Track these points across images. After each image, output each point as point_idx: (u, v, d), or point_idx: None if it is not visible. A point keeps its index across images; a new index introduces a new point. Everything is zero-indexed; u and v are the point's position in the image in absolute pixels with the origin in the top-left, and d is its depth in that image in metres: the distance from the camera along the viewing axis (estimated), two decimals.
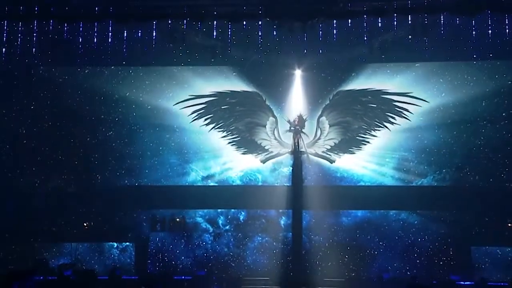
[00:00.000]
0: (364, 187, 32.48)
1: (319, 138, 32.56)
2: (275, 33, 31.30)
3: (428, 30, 30.57)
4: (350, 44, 31.56)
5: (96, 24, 31.01)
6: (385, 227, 31.99)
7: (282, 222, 32.43)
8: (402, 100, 31.98)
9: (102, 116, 33.10)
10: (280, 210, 32.05)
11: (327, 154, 32.61)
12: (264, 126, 32.62)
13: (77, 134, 32.96)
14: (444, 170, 32.74)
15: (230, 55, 31.82)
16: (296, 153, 30.05)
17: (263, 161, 32.81)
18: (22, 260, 30.23)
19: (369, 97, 32.23)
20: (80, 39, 31.47)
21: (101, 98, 32.97)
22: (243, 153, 32.88)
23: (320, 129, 32.44)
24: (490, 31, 31.10)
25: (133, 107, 33.06)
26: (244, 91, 32.51)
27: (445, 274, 28.69)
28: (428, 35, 30.94)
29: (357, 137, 32.33)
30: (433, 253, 29.90)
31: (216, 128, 32.69)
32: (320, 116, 32.20)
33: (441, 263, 29.58)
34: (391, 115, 32.24)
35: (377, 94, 32.28)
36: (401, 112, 32.05)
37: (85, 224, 32.35)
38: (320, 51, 31.64)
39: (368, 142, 32.39)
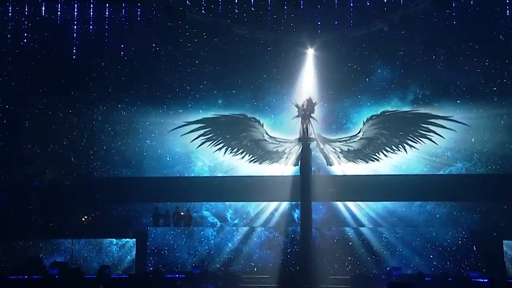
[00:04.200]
0: (385, 176, 29.67)
1: (340, 141, 30.13)
2: (285, 9, 29.22)
3: (452, 2, 28.03)
4: (367, 19, 29.20)
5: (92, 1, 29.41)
6: (407, 220, 29.41)
7: (296, 215, 29.91)
8: (440, 124, 29.36)
9: (101, 102, 31.09)
10: (294, 203, 29.52)
11: (332, 156, 30.28)
12: (264, 140, 30.47)
13: (74, 122, 30.93)
14: (475, 157, 29.95)
15: (235, 34, 29.61)
16: (305, 140, 27.20)
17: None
18: (16, 258, 28.21)
19: (411, 118, 29.85)
20: (75, 21, 29.85)
21: (98, 81, 30.96)
22: (269, 165, 30.77)
23: (351, 137, 30.14)
24: None
25: (135, 91, 30.95)
26: (230, 114, 30.53)
27: (465, 270, 25.79)
28: (452, 7, 28.37)
29: (372, 154, 30.01)
30: (458, 248, 26.85)
31: (226, 150, 30.67)
32: (361, 130, 30.00)
33: (466, 259, 26.64)
34: (421, 139, 29.79)
35: (420, 116, 29.74)
36: (433, 136, 29.61)
37: (83, 219, 30.25)
38: (336, 25, 29.44)
39: (378, 160, 29.97)
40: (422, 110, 29.77)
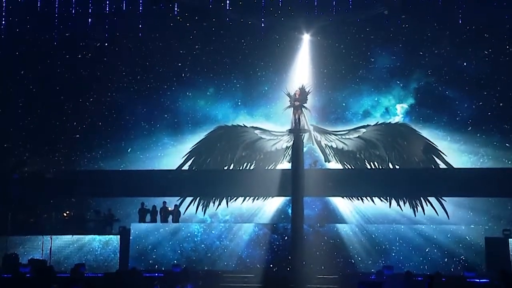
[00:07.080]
0: (383, 171, 28.20)
1: (336, 134, 28.53)
2: None
3: None
4: (367, 2, 28.07)
5: None
6: (406, 217, 27.68)
7: (289, 211, 28.16)
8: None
9: (85, 89, 29.69)
10: (289, 198, 27.78)
11: (327, 150, 28.63)
12: (260, 138, 28.81)
13: (55, 110, 29.65)
14: (481, 150, 28.23)
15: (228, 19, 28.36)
16: (296, 131, 25.36)
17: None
18: None
19: (425, 147, 28.19)
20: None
21: (83, 66, 29.64)
22: (273, 167, 28.88)
23: (350, 131, 28.54)
24: None
25: (121, 77, 29.64)
26: (208, 134, 29.13)
27: (460, 270, 24.14)
28: None
29: (364, 162, 28.35)
30: (461, 246, 25.05)
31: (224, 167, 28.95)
32: (365, 127, 28.40)
33: (469, 258, 24.79)
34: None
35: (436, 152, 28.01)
36: None
37: (65, 214, 28.80)
38: (333, 9, 28.20)
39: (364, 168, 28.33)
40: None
